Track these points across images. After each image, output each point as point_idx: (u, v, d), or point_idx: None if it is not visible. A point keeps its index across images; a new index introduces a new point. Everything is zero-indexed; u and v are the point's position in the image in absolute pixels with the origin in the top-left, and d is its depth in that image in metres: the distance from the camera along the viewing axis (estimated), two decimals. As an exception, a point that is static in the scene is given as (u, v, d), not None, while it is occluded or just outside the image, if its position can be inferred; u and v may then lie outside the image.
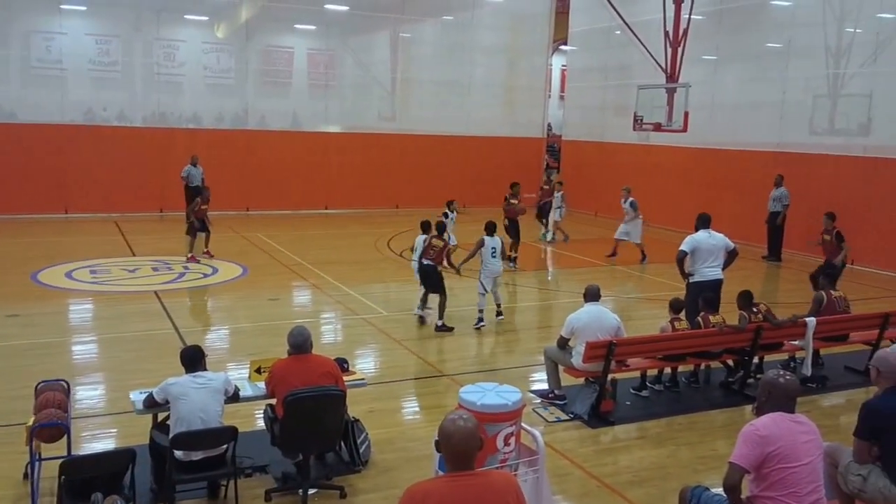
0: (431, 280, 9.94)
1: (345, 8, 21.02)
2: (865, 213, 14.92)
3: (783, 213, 15.32)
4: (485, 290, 10.13)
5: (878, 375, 4.62)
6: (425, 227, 10.65)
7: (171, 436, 4.96)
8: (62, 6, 18.65)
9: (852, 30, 15.71)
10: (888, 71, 14.71)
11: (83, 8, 19.32)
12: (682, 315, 7.95)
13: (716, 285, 8.77)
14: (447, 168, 22.04)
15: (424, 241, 10.22)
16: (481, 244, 10.19)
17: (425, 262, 9.93)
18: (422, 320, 10.21)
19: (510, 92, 23.73)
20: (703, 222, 9.06)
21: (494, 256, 10.13)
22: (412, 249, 11.12)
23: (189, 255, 13.87)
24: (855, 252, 15.01)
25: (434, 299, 10.06)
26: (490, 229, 10.35)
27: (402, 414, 7.36)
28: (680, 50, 16.32)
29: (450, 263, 10.05)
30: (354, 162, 21.14)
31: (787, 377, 4.03)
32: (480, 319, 10.09)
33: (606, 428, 6.92)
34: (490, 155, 22.47)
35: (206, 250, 14.17)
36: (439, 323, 9.88)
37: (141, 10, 19.25)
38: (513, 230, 14.28)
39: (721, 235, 8.98)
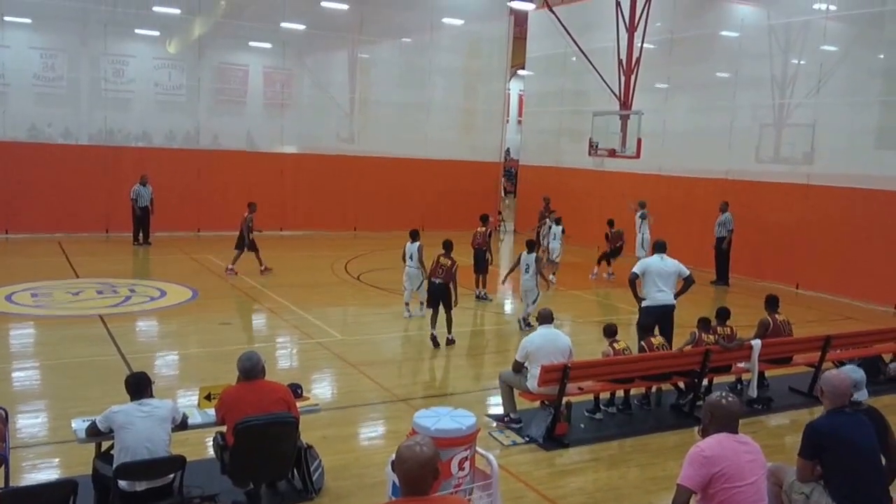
0: (444, 298, 10.24)
1: (301, 27, 20.98)
2: (808, 239, 15.43)
3: (728, 237, 15.73)
4: (525, 300, 11.46)
5: (823, 396, 4.75)
6: (414, 235, 11.63)
7: (115, 466, 4.80)
8: (5, 18, 18.12)
9: (797, 61, 16.34)
10: (831, 102, 15.28)
11: (27, 20, 18.85)
12: (621, 337, 8.07)
13: (665, 310, 8.92)
14: (405, 190, 22.10)
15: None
16: (518, 260, 11.60)
17: (436, 280, 10.24)
18: (434, 341, 10.24)
19: (468, 115, 23.97)
20: (659, 248, 9.24)
21: (527, 272, 11.32)
22: (410, 257, 11.60)
23: (229, 268, 14.51)
24: (797, 277, 15.56)
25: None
26: (528, 246, 11.53)
27: (356, 440, 7.27)
28: (633, 78, 16.72)
29: (455, 283, 10.39)
30: (311, 183, 21.01)
31: (730, 399, 4.11)
32: (528, 323, 11.10)
33: (561, 450, 6.95)
34: (448, 178, 22.59)
35: (263, 267, 14.73)
36: (450, 336, 10.27)
37: (88, 24, 18.82)
38: (477, 263, 13.58)
39: (674, 262, 9.12)
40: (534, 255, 11.42)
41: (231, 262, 14.57)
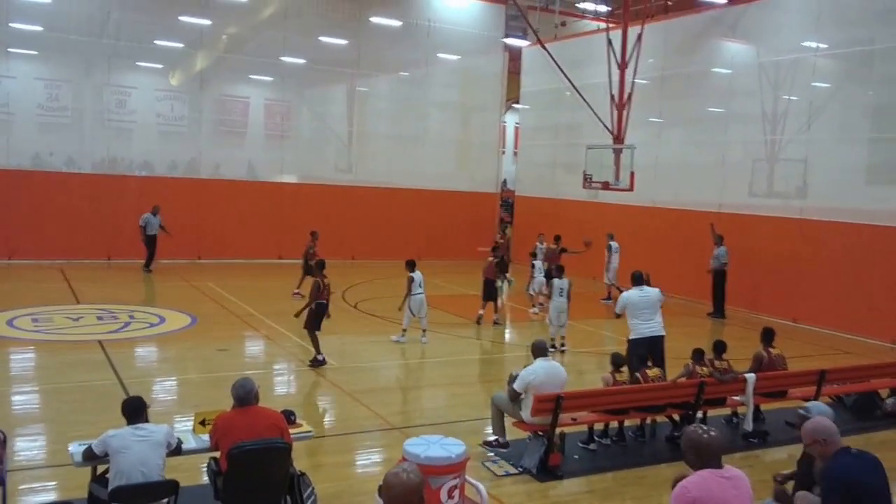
0: (325, 317, 10.59)
1: (301, 61, 21.33)
2: (803, 272, 15.52)
3: (721, 270, 15.81)
4: (550, 321, 12.13)
5: (826, 445, 4.59)
6: (413, 264, 12.10)
7: (109, 489, 4.84)
8: (10, 49, 18.47)
9: (788, 98, 16.58)
10: (821, 138, 15.47)
11: (33, 52, 19.18)
12: (624, 369, 8.11)
13: (652, 341, 8.92)
14: (402, 220, 22.27)
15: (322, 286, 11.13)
16: (551, 284, 12.30)
17: (325, 301, 10.52)
18: (320, 362, 10.34)
19: (465, 147, 24.25)
20: (636, 280, 9.28)
21: (561, 296, 11.99)
22: (419, 285, 12.10)
23: (295, 291, 15.42)
24: (794, 310, 15.62)
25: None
26: (559, 272, 12.25)
27: (349, 467, 7.28)
28: (625, 112, 16.97)
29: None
30: (309, 212, 21.14)
31: (711, 433, 4.00)
32: (552, 346, 11.20)
33: (555, 482, 6.95)
34: (445, 208, 22.81)
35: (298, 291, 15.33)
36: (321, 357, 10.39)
37: (92, 56, 19.11)
38: (487, 291, 13.83)
39: (654, 290, 9.15)
40: (566, 279, 12.07)
41: (297, 286, 15.47)
